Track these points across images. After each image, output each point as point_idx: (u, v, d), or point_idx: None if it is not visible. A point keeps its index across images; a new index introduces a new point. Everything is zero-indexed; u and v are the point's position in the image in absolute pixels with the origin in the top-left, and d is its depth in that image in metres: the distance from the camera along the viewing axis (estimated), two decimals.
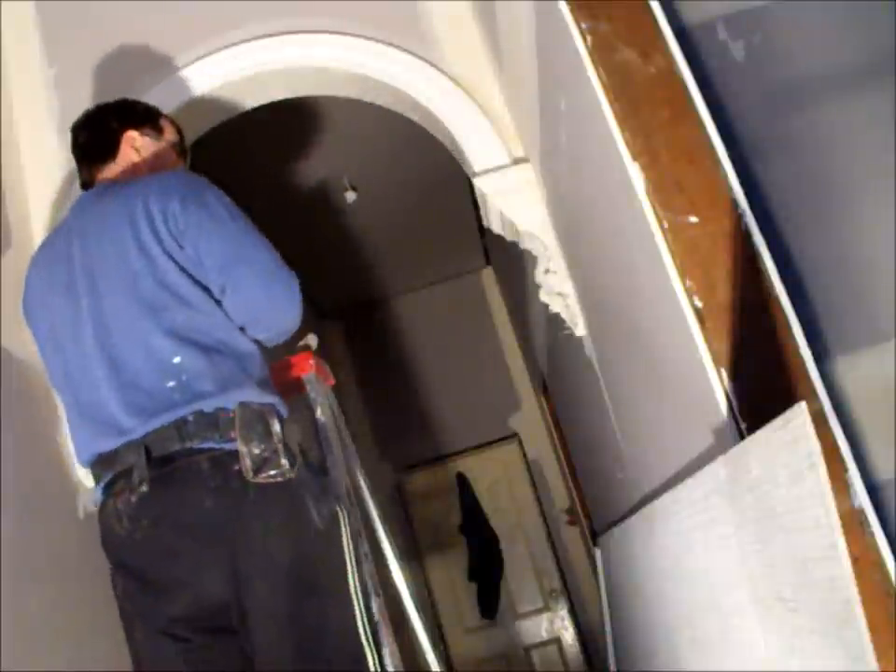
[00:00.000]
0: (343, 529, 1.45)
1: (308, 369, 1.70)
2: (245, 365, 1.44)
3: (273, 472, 1.35)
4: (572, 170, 1.66)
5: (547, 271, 2.04)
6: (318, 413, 1.66)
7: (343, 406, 1.88)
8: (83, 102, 2.22)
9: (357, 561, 1.45)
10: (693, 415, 1.29)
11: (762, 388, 1.07)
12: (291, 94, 2.34)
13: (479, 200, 2.11)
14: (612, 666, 2.61)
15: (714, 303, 1.10)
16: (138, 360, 1.40)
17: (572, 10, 1.25)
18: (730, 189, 1.11)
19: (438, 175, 3.71)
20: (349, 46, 2.18)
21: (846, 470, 0.91)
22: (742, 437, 1.06)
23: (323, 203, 4.13)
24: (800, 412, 0.82)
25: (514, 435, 5.32)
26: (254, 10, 2.23)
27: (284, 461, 1.36)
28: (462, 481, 5.28)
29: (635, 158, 1.18)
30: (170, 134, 1.72)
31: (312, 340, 1.75)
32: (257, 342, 1.50)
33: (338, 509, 1.46)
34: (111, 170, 1.63)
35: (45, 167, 2.21)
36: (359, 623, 1.40)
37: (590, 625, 4.76)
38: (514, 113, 2.07)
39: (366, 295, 5.43)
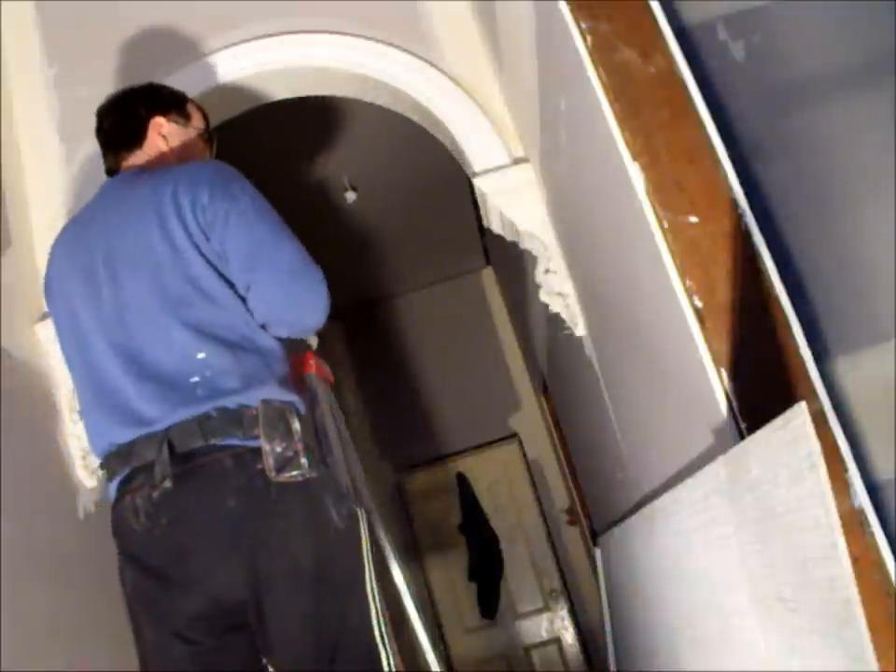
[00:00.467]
0: (362, 529, 1.45)
1: (308, 368, 1.70)
2: (268, 361, 1.43)
3: (294, 472, 1.34)
4: (572, 170, 1.66)
5: (547, 271, 2.04)
6: (319, 412, 1.66)
7: (343, 406, 1.88)
8: (83, 102, 2.22)
9: (373, 560, 1.45)
10: (693, 415, 1.29)
11: (762, 388, 1.07)
12: (291, 94, 2.34)
13: (479, 200, 2.11)
14: (612, 666, 2.61)
15: (714, 303, 1.10)
16: (159, 353, 1.39)
17: (572, 10, 1.25)
18: (730, 189, 1.11)
19: (438, 174, 3.71)
20: (349, 46, 2.18)
21: (846, 470, 0.91)
22: (742, 437, 1.06)
23: (323, 203, 4.13)
24: (800, 412, 0.82)
25: (514, 435, 5.31)
26: (254, 10, 2.23)
27: (303, 460, 1.35)
28: (462, 481, 5.28)
29: (635, 158, 1.18)
30: (197, 121, 1.70)
31: (312, 339, 1.75)
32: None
33: (356, 508, 1.45)
34: (138, 157, 1.60)
35: (45, 167, 2.21)
36: (375, 623, 1.40)
37: (590, 625, 4.76)
38: (514, 113, 2.07)
39: (366, 295, 5.43)
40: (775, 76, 1.26)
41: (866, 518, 0.89)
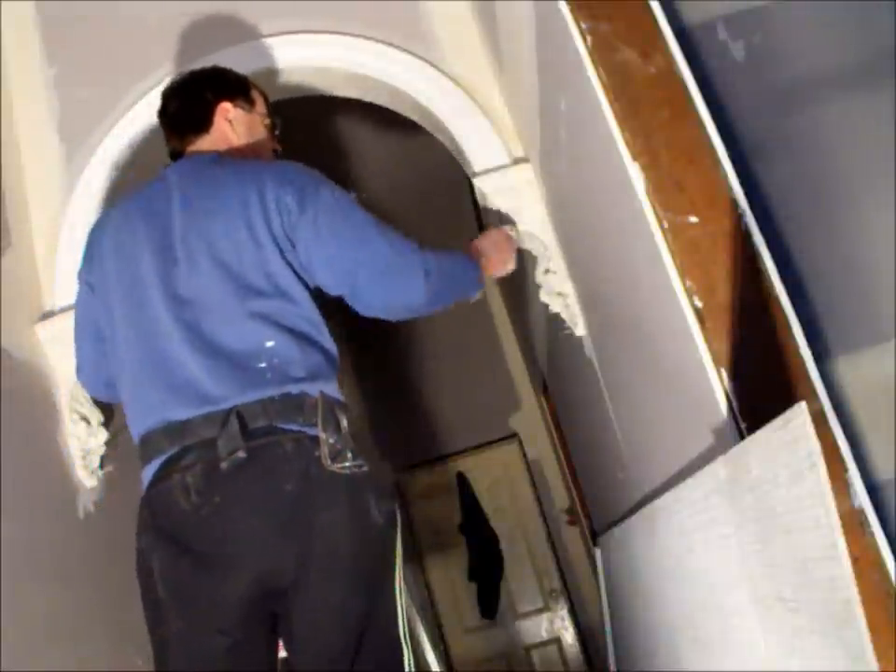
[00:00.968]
0: (398, 529, 1.46)
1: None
2: (329, 359, 1.47)
3: (346, 464, 1.37)
4: (572, 170, 1.66)
5: (547, 271, 2.04)
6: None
7: None
8: (83, 102, 2.23)
9: (402, 561, 1.46)
10: (693, 415, 1.29)
11: (762, 388, 1.07)
12: (291, 94, 2.34)
13: (479, 200, 2.11)
14: (612, 666, 2.61)
15: (714, 303, 1.10)
16: (230, 337, 1.40)
17: (572, 10, 1.25)
18: (730, 189, 1.11)
19: (438, 174, 3.70)
20: (349, 46, 2.18)
21: (846, 470, 0.91)
22: (742, 437, 1.06)
23: None
24: (800, 412, 0.82)
25: (514, 435, 5.31)
26: (254, 10, 2.23)
27: (349, 454, 1.38)
28: (462, 481, 5.28)
29: (635, 158, 1.18)
30: (260, 106, 1.72)
31: None
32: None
33: (395, 508, 1.46)
34: (204, 141, 1.62)
35: (45, 167, 2.21)
36: (400, 622, 1.42)
37: (590, 625, 4.76)
38: (514, 113, 2.07)
39: None
40: (775, 76, 1.26)
41: (866, 518, 0.89)
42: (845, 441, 0.95)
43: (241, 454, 1.33)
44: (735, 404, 1.08)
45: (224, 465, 1.33)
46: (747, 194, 1.11)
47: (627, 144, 1.19)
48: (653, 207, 1.16)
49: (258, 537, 1.35)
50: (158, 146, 2.25)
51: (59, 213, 2.16)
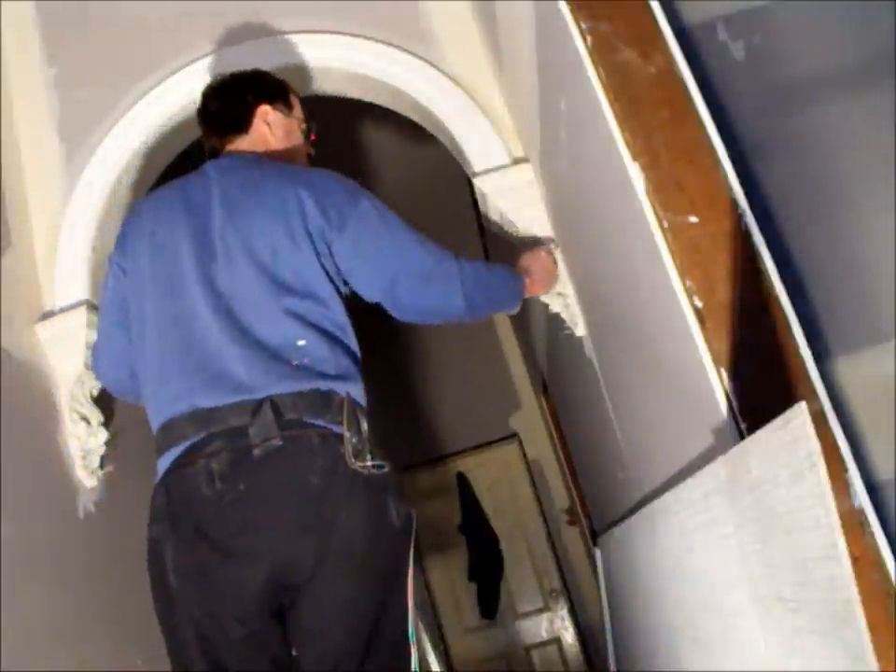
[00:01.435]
0: (413, 532, 1.47)
1: None
2: (356, 361, 1.51)
3: (367, 463, 1.39)
4: (572, 170, 1.66)
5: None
6: None
7: None
8: (83, 102, 2.23)
9: (414, 564, 1.47)
10: (693, 415, 1.29)
11: (762, 388, 1.07)
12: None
13: (479, 200, 2.11)
14: (612, 666, 2.61)
15: (714, 303, 1.10)
16: (265, 332, 1.42)
17: (572, 10, 1.25)
18: (730, 188, 1.11)
19: (438, 174, 3.70)
20: (349, 46, 2.18)
21: (846, 470, 0.91)
22: (742, 437, 1.06)
23: None
24: (800, 412, 0.82)
25: (514, 435, 5.31)
26: (254, 10, 2.23)
27: (369, 455, 1.41)
28: (462, 481, 5.28)
29: (635, 158, 1.18)
30: (297, 111, 1.77)
31: None
32: None
33: (411, 511, 1.47)
34: (243, 141, 1.67)
35: (45, 167, 2.21)
36: (410, 624, 1.43)
37: (590, 625, 4.76)
38: (514, 113, 2.07)
39: None
40: (775, 76, 1.26)
41: (866, 518, 0.89)
42: (845, 441, 0.95)
43: (276, 441, 1.35)
44: (735, 404, 1.08)
45: (257, 452, 1.35)
46: (747, 194, 1.11)
47: (627, 144, 1.18)
48: (653, 207, 1.16)
49: (279, 527, 1.35)
50: (158, 145, 2.26)
51: (59, 213, 2.16)
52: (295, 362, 1.41)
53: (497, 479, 5.25)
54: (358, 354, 1.53)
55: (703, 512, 1.18)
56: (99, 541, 2.02)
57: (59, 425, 1.99)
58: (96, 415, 2.05)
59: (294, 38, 2.19)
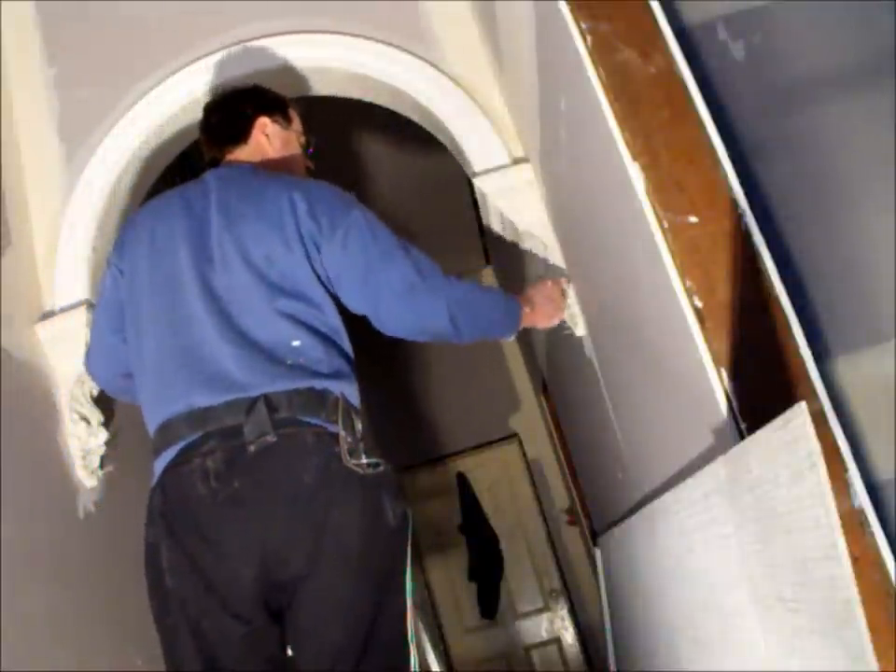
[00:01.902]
0: (409, 531, 1.48)
1: None
2: (350, 364, 1.52)
3: (363, 461, 1.40)
4: (572, 170, 1.66)
5: (548, 266, 2.04)
6: None
7: None
8: (83, 102, 2.23)
9: (412, 563, 1.48)
10: (693, 415, 1.29)
11: (762, 388, 1.07)
12: (291, 94, 2.33)
13: (479, 200, 2.11)
14: (612, 666, 2.61)
15: (714, 303, 1.10)
16: (261, 333, 1.44)
17: (572, 10, 1.25)
18: (730, 188, 1.11)
19: (438, 174, 3.70)
20: (349, 46, 2.18)
21: (846, 470, 0.91)
22: (742, 437, 1.06)
23: None
24: (800, 412, 0.82)
25: (514, 435, 5.31)
26: (254, 10, 2.23)
27: (363, 454, 1.42)
28: (462, 481, 5.28)
29: (635, 158, 1.18)
30: (296, 124, 1.81)
31: None
32: None
33: (407, 509, 1.48)
34: (242, 151, 1.71)
35: (45, 167, 2.21)
36: (408, 623, 1.43)
37: (590, 625, 4.76)
38: (514, 113, 2.07)
39: None
40: (775, 76, 1.26)
41: (866, 518, 0.89)
42: (845, 441, 0.95)
43: (270, 437, 1.36)
44: (735, 404, 1.08)
45: (252, 448, 1.36)
46: (747, 194, 1.11)
47: (627, 144, 1.18)
48: (653, 207, 1.16)
49: (270, 525, 1.36)
50: (158, 145, 2.26)
51: (59, 213, 2.16)
52: (290, 362, 1.43)
53: (496, 479, 5.25)
54: (352, 357, 1.55)
55: (703, 512, 1.18)
56: (99, 541, 2.02)
57: (59, 425, 1.99)
58: (96, 415, 2.05)
59: (294, 38, 2.19)
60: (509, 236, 2.14)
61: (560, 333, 2.03)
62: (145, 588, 1.45)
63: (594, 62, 1.22)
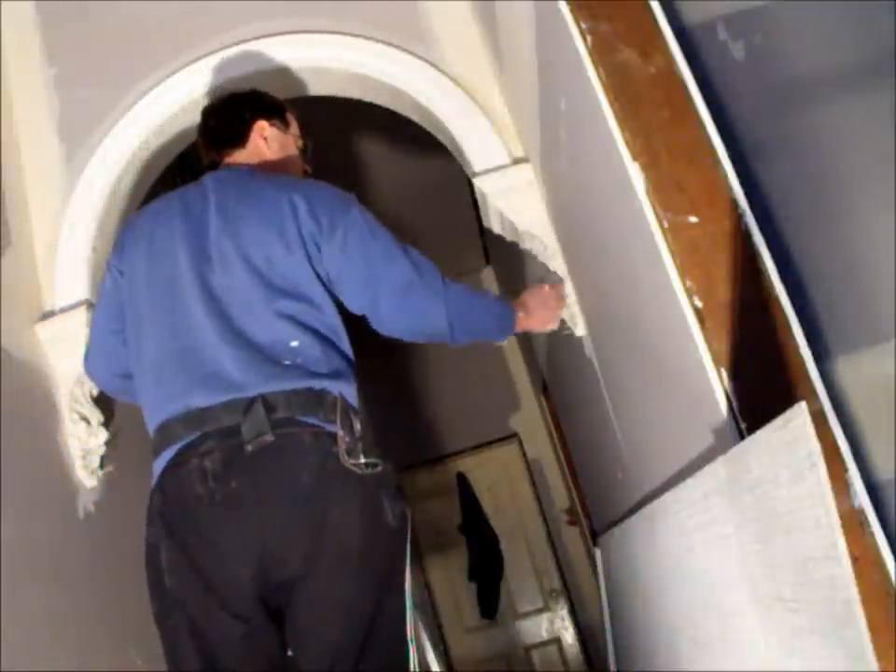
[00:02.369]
0: (408, 530, 1.48)
1: None
2: (349, 364, 1.53)
3: (361, 461, 1.40)
4: (572, 170, 1.66)
5: (547, 271, 2.04)
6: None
7: None
8: (83, 102, 2.23)
9: (411, 563, 1.48)
10: (693, 415, 1.29)
11: (762, 388, 1.07)
12: (291, 94, 2.34)
13: (479, 200, 2.11)
14: (612, 666, 2.61)
15: (714, 303, 1.10)
16: (259, 333, 1.45)
17: (572, 10, 1.25)
18: (730, 189, 1.11)
19: (438, 174, 3.70)
20: (349, 46, 2.18)
21: (846, 470, 0.91)
22: (742, 437, 1.06)
23: None
24: (800, 412, 0.82)
25: (514, 435, 5.31)
26: (254, 10, 2.23)
27: (362, 454, 1.42)
28: (462, 481, 5.28)
29: (635, 158, 1.18)
30: (294, 128, 1.83)
31: None
32: None
33: (407, 510, 1.48)
34: (240, 154, 1.72)
35: (45, 167, 2.21)
36: (408, 623, 1.43)
37: (590, 625, 4.76)
38: (514, 113, 2.07)
39: None
40: (775, 76, 1.26)
41: (866, 518, 0.89)
42: (845, 441, 0.95)
43: (267, 437, 1.36)
44: (735, 404, 1.08)
45: (249, 448, 1.36)
46: (747, 194, 1.11)
47: (627, 144, 1.18)
48: (653, 207, 1.16)
49: (267, 524, 1.36)
50: (158, 145, 2.26)
51: (59, 213, 2.16)
52: (288, 362, 1.43)
53: (497, 479, 5.25)
54: (352, 357, 1.55)
55: (703, 512, 1.18)
56: (99, 541, 2.02)
57: (59, 425, 1.99)
58: (96, 415, 2.05)
59: (294, 38, 2.19)
60: (508, 236, 2.14)
61: (560, 333, 2.03)
62: (145, 588, 1.45)
63: (594, 62, 1.22)
